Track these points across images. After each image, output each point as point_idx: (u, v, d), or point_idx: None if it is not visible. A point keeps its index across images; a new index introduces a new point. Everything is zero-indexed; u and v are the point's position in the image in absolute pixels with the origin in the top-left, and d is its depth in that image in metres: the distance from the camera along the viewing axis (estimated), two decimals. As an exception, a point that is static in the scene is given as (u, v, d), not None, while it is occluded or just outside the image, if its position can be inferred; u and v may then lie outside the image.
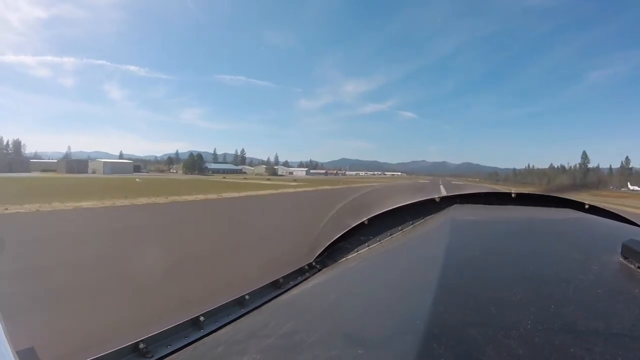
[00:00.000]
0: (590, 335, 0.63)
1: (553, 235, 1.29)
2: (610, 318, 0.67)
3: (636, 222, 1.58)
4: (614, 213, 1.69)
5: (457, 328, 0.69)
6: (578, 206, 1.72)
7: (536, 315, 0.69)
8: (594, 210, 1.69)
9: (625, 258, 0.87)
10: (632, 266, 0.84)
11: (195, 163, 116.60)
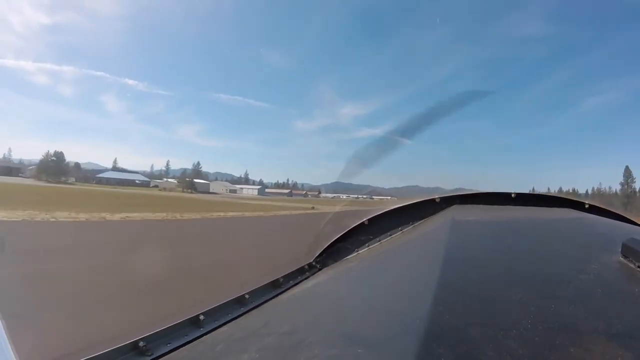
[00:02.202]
0: (590, 335, 0.63)
1: (553, 234, 1.29)
2: (610, 318, 0.67)
3: (636, 221, 1.58)
4: (615, 212, 1.68)
5: (457, 328, 0.68)
6: (578, 206, 1.72)
7: (536, 315, 0.69)
8: (594, 209, 1.69)
9: (626, 257, 0.87)
10: (632, 265, 0.84)
11: (49, 167, 75.77)
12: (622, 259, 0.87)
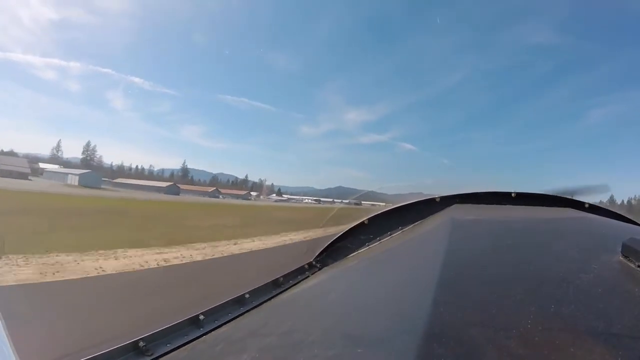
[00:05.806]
0: (590, 335, 0.63)
1: (553, 234, 1.28)
2: (610, 318, 0.67)
3: (637, 221, 1.58)
4: (615, 212, 1.68)
5: (457, 328, 0.68)
6: (579, 205, 1.71)
7: (536, 315, 0.68)
8: (595, 209, 1.69)
9: (626, 257, 0.86)
10: (632, 265, 0.84)
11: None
12: (622, 258, 0.87)
